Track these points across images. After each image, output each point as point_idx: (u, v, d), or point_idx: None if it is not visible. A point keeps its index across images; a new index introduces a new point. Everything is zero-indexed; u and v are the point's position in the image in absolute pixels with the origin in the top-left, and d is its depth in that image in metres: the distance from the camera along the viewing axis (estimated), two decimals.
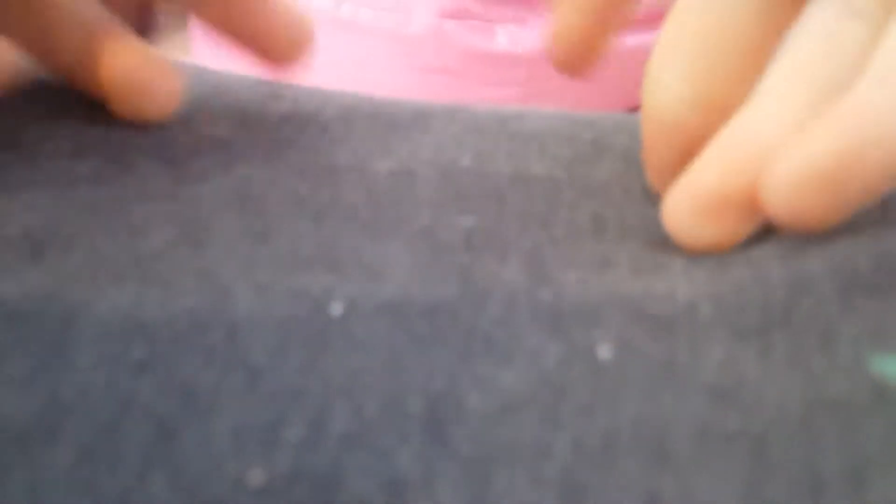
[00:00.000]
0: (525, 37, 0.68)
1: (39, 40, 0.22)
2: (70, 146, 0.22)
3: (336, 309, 0.17)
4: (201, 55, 1.10)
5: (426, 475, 0.14)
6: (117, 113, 0.23)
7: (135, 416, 0.14)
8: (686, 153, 0.18)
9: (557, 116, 0.25)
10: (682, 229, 0.16)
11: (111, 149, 0.22)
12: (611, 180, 0.21)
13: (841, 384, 0.15)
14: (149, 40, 0.24)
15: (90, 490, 0.13)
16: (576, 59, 0.20)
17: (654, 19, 0.33)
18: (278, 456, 0.14)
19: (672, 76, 0.17)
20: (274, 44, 0.24)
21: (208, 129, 0.23)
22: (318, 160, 0.22)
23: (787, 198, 0.15)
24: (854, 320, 0.16)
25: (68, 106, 0.24)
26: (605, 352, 0.16)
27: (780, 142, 0.16)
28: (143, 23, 0.25)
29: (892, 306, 0.17)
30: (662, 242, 0.18)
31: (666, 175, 0.18)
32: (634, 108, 0.40)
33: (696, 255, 0.18)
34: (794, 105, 0.17)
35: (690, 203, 0.16)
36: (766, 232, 0.18)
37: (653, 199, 0.20)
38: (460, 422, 0.14)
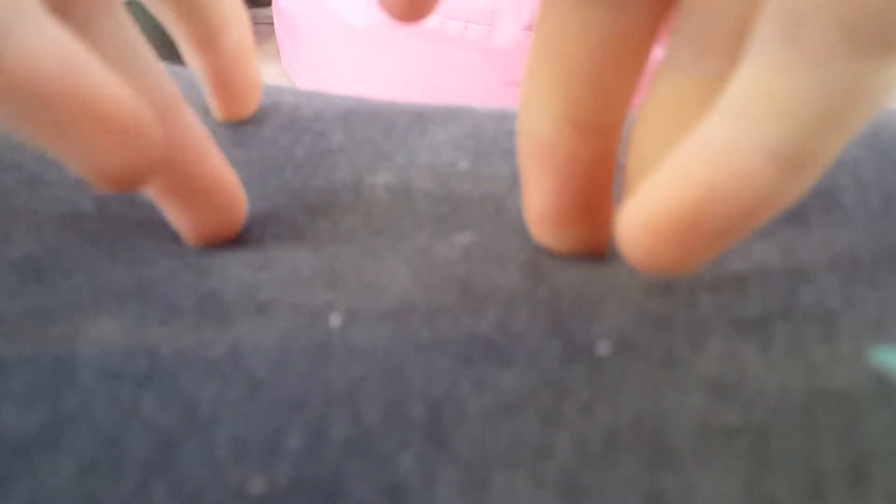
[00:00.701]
0: None
1: None
2: (73, 175, 0.22)
3: (335, 319, 0.17)
4: (289, 65, 1.11)
5: (427, 480, 0.14)
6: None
7: (136, 429, 0.15)
8: (564, 175, 0.17)
9: None
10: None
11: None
12: None
13: (842, 376, 0.15)
14: None
15: (92, 502, 0.13)
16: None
17: None
18: (279, 464, 0.14)
19: (539, 97, 0.17)
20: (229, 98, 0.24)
21: None
22: (315, 179, 0.22)
23: (639, 245, 0.14)
24: (855, 312, 0.16)
25: None
26: (604, 349, 0.16)
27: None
28: None
29: (893, 297, 0.16)
30: None
31: (548, 202, 0.18)
32: None
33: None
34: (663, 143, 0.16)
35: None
36: (765, 224, 0.18)
37: None
38: (461, 425, 0.14)
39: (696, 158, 0.14)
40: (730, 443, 0.14)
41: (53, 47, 0.14)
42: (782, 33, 0.13)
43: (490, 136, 0.24)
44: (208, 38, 0.23)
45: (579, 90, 0.16)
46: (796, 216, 0.19)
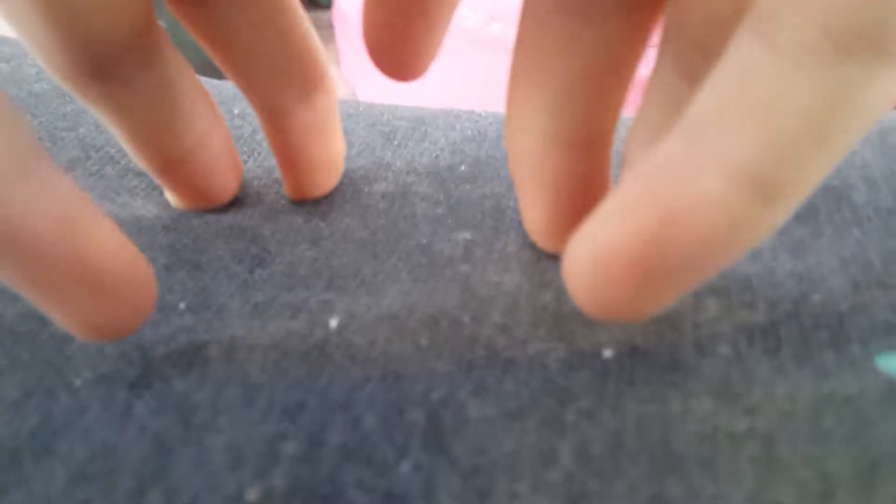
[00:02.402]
0: None
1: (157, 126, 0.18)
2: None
3: (334, 322, 0.17)
4: (349, 69, 1.10)
5: (426, 487, 0.13)
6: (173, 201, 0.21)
7: (131, 435, 0.14)
8: (554, 190, 0.17)
9: None
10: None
11: (106, 185, 0.22)
12: None
13: (850, 381, 0.14)
14: None
15: None
16: (390, 55, 0.17)
17: None
18: (276, 471, 0.14)
19: (523, 114, 0.16)
20: (305, 178, 0.21)
21: None
22: None
23: (586, 285, 0.12)
24: (864, 315, 0.16)
25: (59, 135, 0.24)
26: (608, 353, 0.15)
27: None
28: None
29: None
30: None
31: (542, 214, 0.17)
32: None
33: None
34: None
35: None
36: None
37: None
38: (461, 431, 0.14)
39: (653, 182, 0.12)
40: (736, 449, 0.13)
41: (53, 204, 0.13)
42: (755, 28, 0.11)
43: (491, 140, 0.24)
44: (279, 114, 0.20)
45: (564, 107, 0.15)
46: (806, 214, 0.19)
